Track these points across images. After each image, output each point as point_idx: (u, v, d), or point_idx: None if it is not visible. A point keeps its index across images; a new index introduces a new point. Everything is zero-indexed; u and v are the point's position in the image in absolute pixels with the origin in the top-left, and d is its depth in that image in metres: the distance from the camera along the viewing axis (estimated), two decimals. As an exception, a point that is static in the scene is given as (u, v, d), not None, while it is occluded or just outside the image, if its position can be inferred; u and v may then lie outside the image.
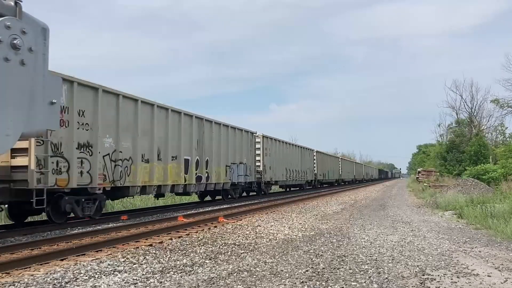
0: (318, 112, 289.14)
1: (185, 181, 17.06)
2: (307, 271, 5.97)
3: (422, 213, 15.31)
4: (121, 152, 13.22)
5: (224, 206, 17.89)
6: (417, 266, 6.33)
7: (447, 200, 17.07)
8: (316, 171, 40.35)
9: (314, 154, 40.12)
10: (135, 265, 6.41)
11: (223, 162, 20.55)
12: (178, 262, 6.61)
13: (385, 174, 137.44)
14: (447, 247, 8.03)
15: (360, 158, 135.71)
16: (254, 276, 5.68)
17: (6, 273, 5.94)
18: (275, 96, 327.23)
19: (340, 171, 53.17)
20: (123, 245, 8.35)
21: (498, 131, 45.89)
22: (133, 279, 5.57)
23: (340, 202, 21.04)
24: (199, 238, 9.09)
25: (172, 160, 16.07)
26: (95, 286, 5.28)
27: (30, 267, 6.30)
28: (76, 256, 7.21)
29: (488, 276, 5.74)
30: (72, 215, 11.86)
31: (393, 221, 12.49)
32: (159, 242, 8.59)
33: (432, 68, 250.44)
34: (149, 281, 5.46)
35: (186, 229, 10.56)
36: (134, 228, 10.79)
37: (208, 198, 22.76)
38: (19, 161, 10.30)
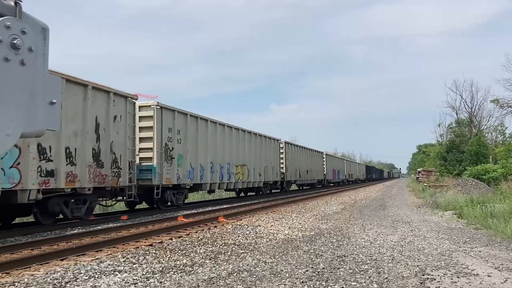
0: (318, 112, 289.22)
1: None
2: (307, 271, 5.97)
3: (422, 213, 15.31)
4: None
5: (224, 206, 17.89)
6: (417, 266, 6.33)
7: (447, 200, 17.07)
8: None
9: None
10: (135, 265, 6.41)
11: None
12: (178, 262, 6.61)
13: (378, 173, 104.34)
14: (447, 247, 8.03)
15: (360, 158, 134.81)
16: (254, 276, 5.68)
17: (6, 273, 5.94)
18: (275, 96, 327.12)
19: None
20: (123, 245, 8.35)
21: (498, 131, 46.09)
22: (133, 279, 5.57)
23: (340, 202, 21.04)
24: (199, 238, 9.09)
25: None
26: (95, 286, 5.28)
27: (30, 267, 6.30)
28: (76, 256, 7.20)
29: (488, 276, 5.74)
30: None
31: (393, 221, 12.50)
32: (159, 242, 8.59)
33: (432, 68, 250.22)
34: (149, 281, 5.46)
35: (186, 229, 10.56)
36: (134, 228, 10.79)
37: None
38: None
